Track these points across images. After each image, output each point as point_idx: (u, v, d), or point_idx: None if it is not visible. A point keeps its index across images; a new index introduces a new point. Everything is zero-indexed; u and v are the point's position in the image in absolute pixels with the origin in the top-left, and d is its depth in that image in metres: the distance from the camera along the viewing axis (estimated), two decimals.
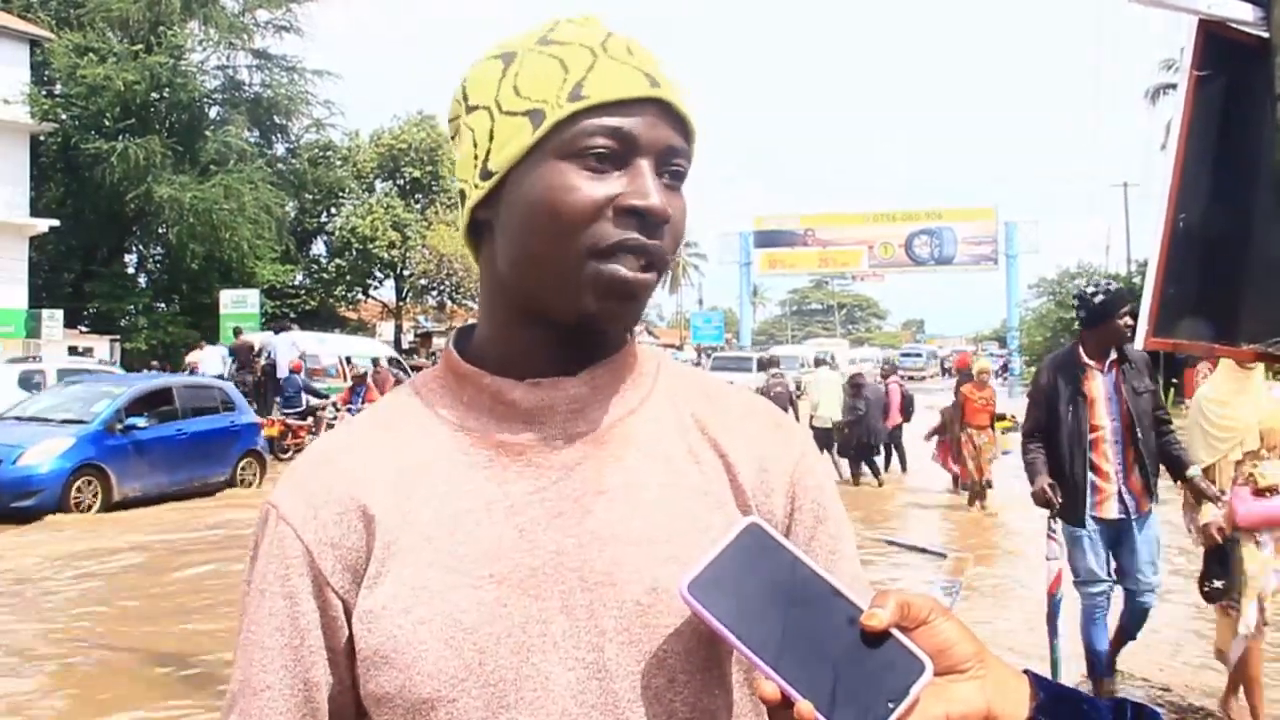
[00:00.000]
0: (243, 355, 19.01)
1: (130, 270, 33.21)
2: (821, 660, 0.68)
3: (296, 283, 36.46)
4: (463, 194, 0.90)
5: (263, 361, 18.95)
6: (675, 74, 0.89)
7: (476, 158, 0.87)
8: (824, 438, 13.70)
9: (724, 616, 0.70)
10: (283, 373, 17.30)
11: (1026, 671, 0.72)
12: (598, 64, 0.84)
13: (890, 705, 0.66)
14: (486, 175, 0.86)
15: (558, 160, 0.83)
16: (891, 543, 9.15)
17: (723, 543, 0.72)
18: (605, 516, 0.84)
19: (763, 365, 19.96)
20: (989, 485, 11.28)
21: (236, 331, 20.95)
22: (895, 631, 0.68)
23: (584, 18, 0.89)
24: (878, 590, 0.71)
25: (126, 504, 11.38)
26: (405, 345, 40.85)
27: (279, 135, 34.59)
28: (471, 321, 0.96)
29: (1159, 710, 0.72)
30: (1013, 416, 11.66)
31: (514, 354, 0.88)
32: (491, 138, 0.86)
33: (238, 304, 25.79)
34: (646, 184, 0.83)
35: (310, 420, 16.02)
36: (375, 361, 20.93)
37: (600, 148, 0.82)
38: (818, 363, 20.53)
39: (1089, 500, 4.72)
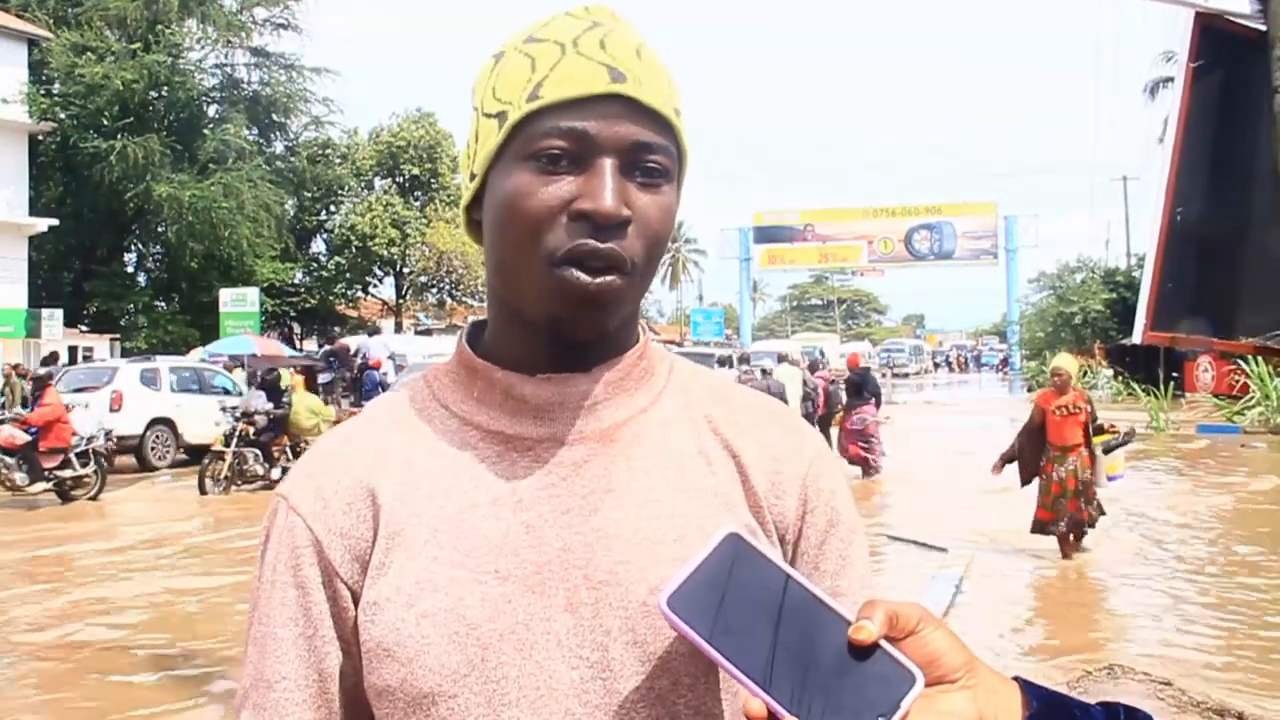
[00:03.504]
0: (342, 356, 21.98)
1: (130, 269, 33.24)
2: (808, 674, 0.66)
3: (296, 281, 36.47)
4: None
5: (359, 361, 21.62)
6: (658, 63, 0.86)
7: (470, 158, 0.88)
8: None
9: (705, 630, 0.68)
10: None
11: (1017, 679, 0.71)
12: (562, 61, 0.82)
13: (880, 719, 0.65)
14: (473, 177, 0.87)
15: (518, 163, 0.82)
16: (893, 537, 9.15)
17: (701, 554, 0.70)
18: (612, 515, 0.84)
19: (723, 364, 20.33)
20: (1092, 521, 8.34)
21: (331, 338, 23.09)
22: (883, 643, 0.67)
23: (585, 9, 0.88)
24: (865, 600, 0.69)
25: None
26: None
27: (278, 133, 34.59)
28: (483, 317, 0.96)
29: (1151, 715, 0.71)
30: (1112, 426, 8.83)
31: (523, 350, 0.88)
32: (477, 139, 0.87)
33: (237, 302, 25.81)
34: (599, 185, 0.80)
35: None
36: None
37: (554, 149, 0.81)
38: (779, 359, 21.48)
39: None
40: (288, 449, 13.77)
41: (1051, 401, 8.33)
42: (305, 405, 13.99)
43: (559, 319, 0.83)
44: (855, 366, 14.76)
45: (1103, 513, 8.34)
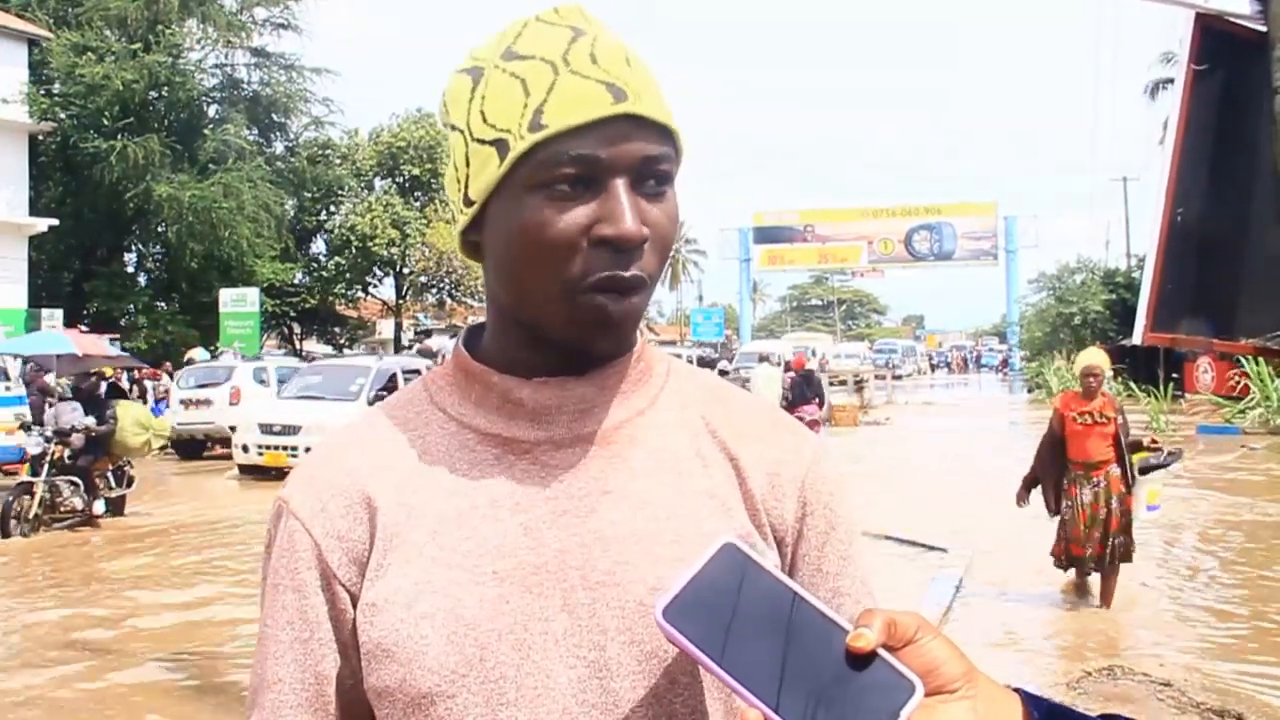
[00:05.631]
0: (428, 356, 23.34)
1: (130, 269, 33.23)
2: (806, 684, 0.65)
3: (296, 281, 36.48)
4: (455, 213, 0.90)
5: (440, 360, 22.92)
6: (644, 67, 0.85)
7: (459, 181, 0.87)
8: None
9: (702, 641, 0.67)
10: None
11: (1018, 689, 0.71)
12: (558, 83, 0.80)
13: None
14: (468, 202, 0.86)
15: (526, 193, 0.81)
16: (892, 538, 9.15)
17: (698, 564, 0.70)
18: (610, 516, 0.84)
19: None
20: (1120, 556, 6.67)
21: (419, 339, 24.05)
22: (882, 651, 0.66)
23: (554, 10, 0.86)
24: (863, 608, 0.69)
25: None
26: (405, 343, 40.84)
27: (278, 133, 34.60)
28: (481, 320, 0.96)
29: None
30: (1153, 441, 7.12)
31: (521, 354, 0.88)
32: (468, 164, 0.85)
33: (237, 302, 25.82)
34: (618, 208, 0.80)
35: None
36: None
37: (567, 178, 0.80)
38: (760, 359, 22.18)
39: None
40: (110, 474, 11.06)
41: (1073, 406, 6.73)
42: (132, 418, 11.10)
43: (585, 342, 0.84)
44: (800, 368, 15.58)
45: (1132, 547, 6.74)
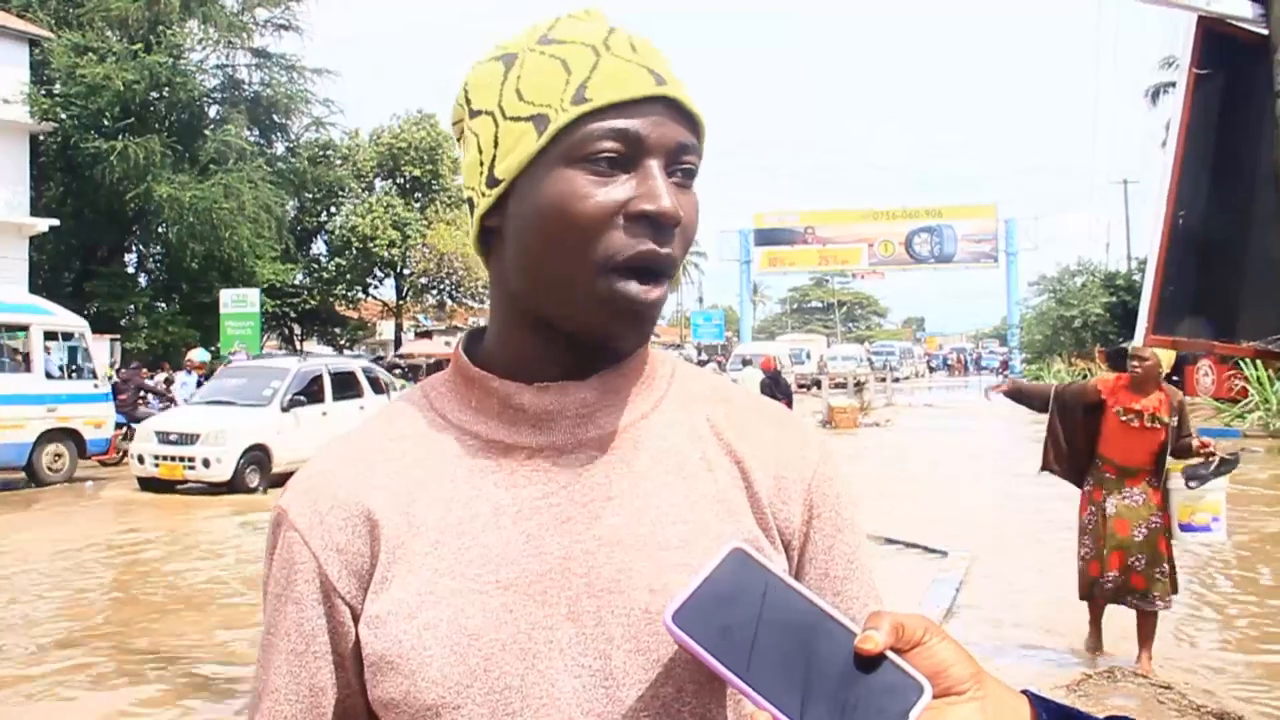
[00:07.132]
0: None
1: (130, 270, 33.19)
2: (815, 687, 0.66)
3: (297, 282, 36.45)
4: (470, 202, 0.88)
5: None
6: (677, 70, 0.86)
7: (482, 164, 0.86)
8: None
9: (711, 646, 0.68)
10: None
11: (1026, 691, 0.71)
12: (601, 63, 0.82)
13: None
14: (493, 183, 0.85)
15: (564, 166, 0.81)
16: (890, 540, 9.13)
17: (706, 569, 0.70)
18: (613, 522, 0.83)
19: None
20: (1149, 593, 5.32)
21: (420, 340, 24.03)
22: (890, 654, 0.66)
23: (585, 12, 0.87)
24: (870, 612, 0.69)
25: None
26: (405, 344, 40.82)
27: (279, 134, 34.56)
28: (482, 323, 0.95)
29: None
30: (1204, 444, 5.34)
31: (523, 358, 0.87)
32: (496, 144, 0.84)
33: (238, 303, 25.78)
34: (657, 186, 0.80)
35: None
36: None
37: (608, 151, 0.80)
38: (744, 362, 22.73)
39: None
40: None
41: (1121, 399, 5.28)
42: None
43: (609, 332, 0.83)
44: (769, 369, 16.24)
45: (1174, 589, 5.38)
